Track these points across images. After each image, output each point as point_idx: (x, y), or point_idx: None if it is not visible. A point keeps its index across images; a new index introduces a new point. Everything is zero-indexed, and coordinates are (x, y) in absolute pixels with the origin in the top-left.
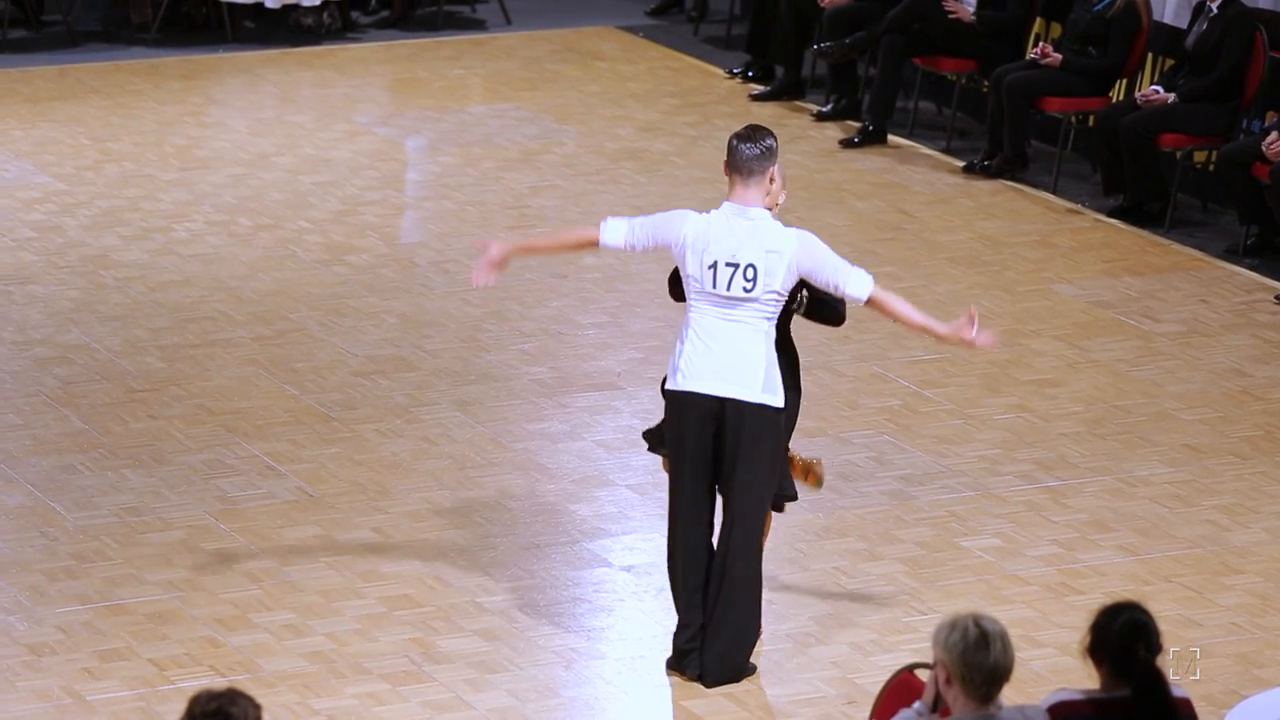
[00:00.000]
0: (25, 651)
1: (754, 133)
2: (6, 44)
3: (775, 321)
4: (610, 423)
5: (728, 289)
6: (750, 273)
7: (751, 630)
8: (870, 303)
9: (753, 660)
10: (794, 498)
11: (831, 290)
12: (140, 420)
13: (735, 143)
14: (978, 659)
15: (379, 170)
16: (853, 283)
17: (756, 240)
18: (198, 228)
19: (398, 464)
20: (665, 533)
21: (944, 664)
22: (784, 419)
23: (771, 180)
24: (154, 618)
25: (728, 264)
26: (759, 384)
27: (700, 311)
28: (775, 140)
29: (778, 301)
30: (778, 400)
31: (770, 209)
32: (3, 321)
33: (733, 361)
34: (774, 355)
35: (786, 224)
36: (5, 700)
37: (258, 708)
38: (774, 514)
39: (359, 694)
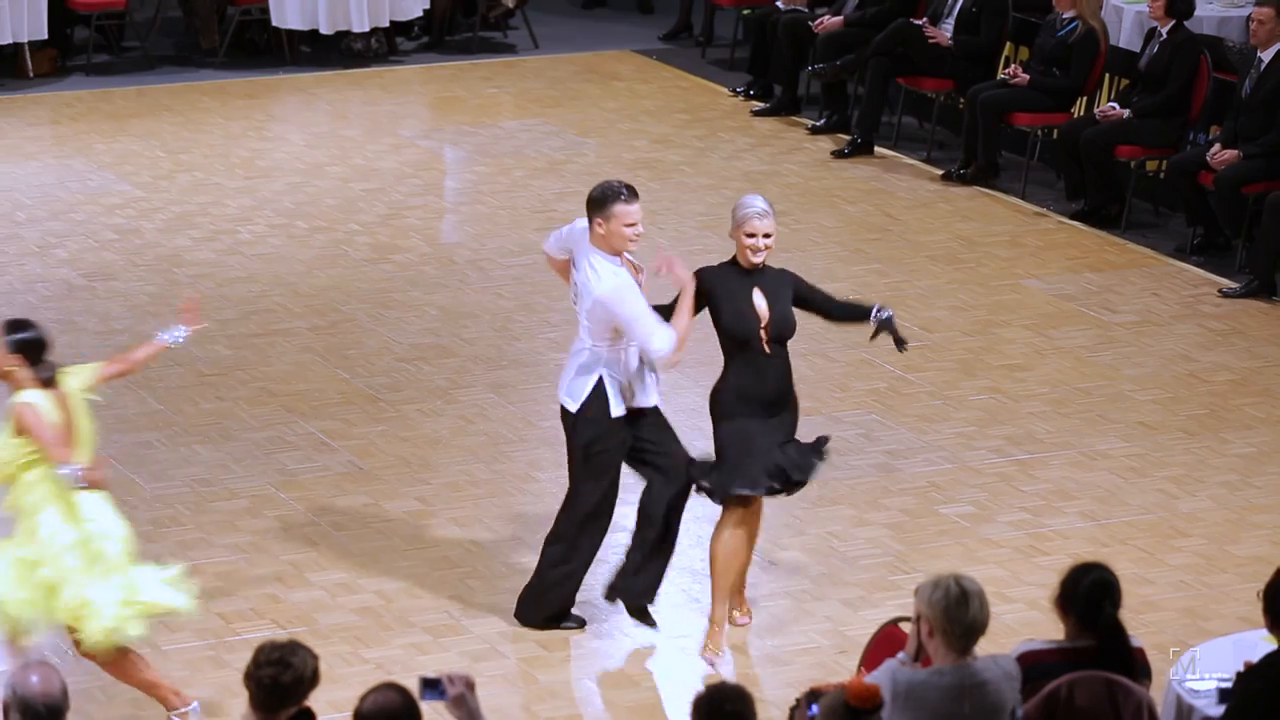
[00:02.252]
0: None
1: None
2: (91, 67)
3: (598, 342)
4: None
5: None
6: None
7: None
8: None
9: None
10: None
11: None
12: (210, 401)
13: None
14: (958, 614)
15: (421, 178)
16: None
17: None
18: (260, 230)
19: (438, 440)
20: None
21: (927, 618)
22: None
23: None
24: (222, 576)
25: None
26: (563, 388)
27: None
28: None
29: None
30: (571, 405)
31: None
32: (88, 314)
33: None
34: (587, 370)
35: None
36: None
37: (315, 657)
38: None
39: (404, 644)
